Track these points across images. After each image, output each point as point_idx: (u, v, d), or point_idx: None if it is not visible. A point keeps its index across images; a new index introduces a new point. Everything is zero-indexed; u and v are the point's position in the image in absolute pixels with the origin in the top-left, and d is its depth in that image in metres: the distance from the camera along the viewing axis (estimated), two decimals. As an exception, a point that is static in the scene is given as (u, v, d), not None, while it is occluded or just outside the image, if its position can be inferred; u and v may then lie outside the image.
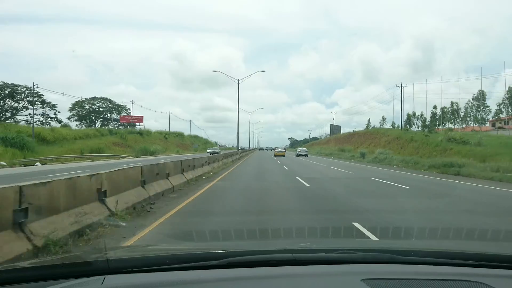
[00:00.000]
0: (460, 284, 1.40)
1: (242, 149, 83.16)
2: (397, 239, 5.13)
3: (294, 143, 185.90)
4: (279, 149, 56.79)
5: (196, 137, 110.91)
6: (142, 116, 79.41)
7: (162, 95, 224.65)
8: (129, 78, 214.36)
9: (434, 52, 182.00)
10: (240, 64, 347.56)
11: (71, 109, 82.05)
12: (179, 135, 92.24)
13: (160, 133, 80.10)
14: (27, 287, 1.37)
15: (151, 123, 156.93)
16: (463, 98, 73.29)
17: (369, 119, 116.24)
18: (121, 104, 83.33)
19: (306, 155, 51.14)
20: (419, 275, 1.48)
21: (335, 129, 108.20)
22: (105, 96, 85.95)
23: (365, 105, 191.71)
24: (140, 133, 65.56)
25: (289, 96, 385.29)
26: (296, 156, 51.10)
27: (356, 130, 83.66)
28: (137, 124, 76.59)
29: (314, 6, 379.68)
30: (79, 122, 78.86)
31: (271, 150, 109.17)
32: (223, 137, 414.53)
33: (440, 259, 1.66)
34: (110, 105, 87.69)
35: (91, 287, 1.34)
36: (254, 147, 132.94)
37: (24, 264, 1.77)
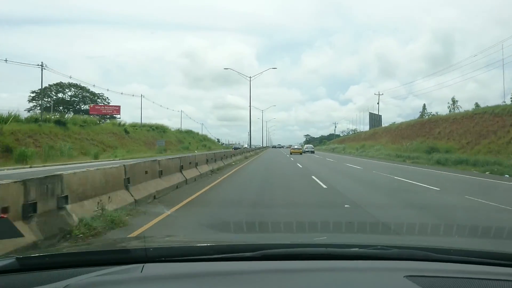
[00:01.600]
0: (501, 284, 1.35)
1: (236, 148, 56.57)
2: (434, 236, 4.67)
3: (310, 141, 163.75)
4: (296, 147, 54.15)
5: (189, 132, 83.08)
6: (119, 106, 62.23)
7: (175, 94, 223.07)
8: (142, 78, 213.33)
9: (453, 45, 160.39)
10: (253, 62, 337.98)
11: (32, 99, 61.19)
12: (159, 129, 64.52)
13: (118, 125, 52.29)
14: (68, 272, 1.36)
15: (163, 122, 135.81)
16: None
17: (424, 105, 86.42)
18: (97, 93, 65.37)
19: (312, 152, 52.35)
20: (458, 273, 1.43)
21: (375, 119, 76.37)
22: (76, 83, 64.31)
23: (381, 102, 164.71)
24: (62, 121, 36.99)
25: (302, 93, 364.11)
26: (303, 152, 49.07)
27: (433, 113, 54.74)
28: (115, 116, 60.91)
29: (326, 2, 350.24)
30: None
31: (281, 148, 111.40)
32: (235, 135, 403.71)
33: (476, 258, 1.58)
34: (83, 94, 68.22)
35: (131, 275, 1.35)
36: (267, 145, 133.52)
37: (65, 249, 1.87)
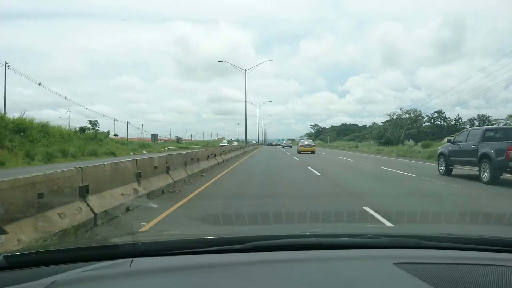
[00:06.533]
0: (492, 269, 1.35)
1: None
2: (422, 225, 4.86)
3: (319, 132, 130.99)
4: (306, 143, 37.76)
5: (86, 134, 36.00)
6: None
7: (168, 86, 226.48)
8: (137, 72, 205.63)
9: (461, 31, 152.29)
10: (250, 53, 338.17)
11: None
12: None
13: None
14: (55, 269, 1.35)
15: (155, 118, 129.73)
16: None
17: None
18: None
19: (290, 146, 48.83)
20: (449, 260, 1.45)
21: None
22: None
23: (380, 93, 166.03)
24: None
25: (300, 86, 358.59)
26: (282, 147, 46.14)
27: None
28: None
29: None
30: None
31: (278, 145, 79.98)
32: (231, 129, 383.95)
33: (467, 245, 1.61)
34: None
35: (120, 270, 1.35)
36: (263, 140, 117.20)
37: (53, 246, 1.84)
